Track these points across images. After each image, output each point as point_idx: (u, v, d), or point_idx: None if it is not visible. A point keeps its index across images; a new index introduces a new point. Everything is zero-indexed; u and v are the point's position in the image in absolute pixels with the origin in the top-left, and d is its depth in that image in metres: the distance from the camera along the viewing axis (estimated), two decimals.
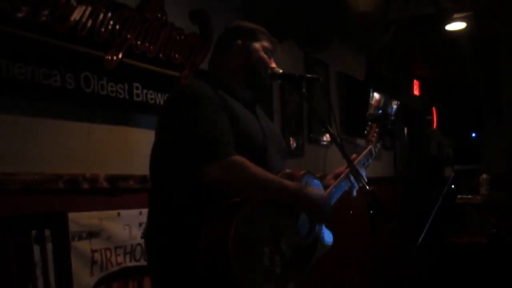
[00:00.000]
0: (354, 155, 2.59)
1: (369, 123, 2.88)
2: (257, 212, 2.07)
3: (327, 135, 5.77)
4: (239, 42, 2.38)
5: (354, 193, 2.56)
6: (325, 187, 2.44)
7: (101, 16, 3.13)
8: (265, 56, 2.39)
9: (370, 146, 2.77)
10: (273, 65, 2.41)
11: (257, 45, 2.39)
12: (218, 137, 2.07)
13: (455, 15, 5.27)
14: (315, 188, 2.34)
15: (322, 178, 2.51)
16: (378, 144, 2.84)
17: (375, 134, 2.82)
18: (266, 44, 2.41)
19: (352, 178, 2.51)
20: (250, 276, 1.97)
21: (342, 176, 2.50)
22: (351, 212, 2.65)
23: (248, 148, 2.15)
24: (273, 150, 2.33)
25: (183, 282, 2.10)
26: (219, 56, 2.43)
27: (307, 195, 2.20)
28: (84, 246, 3.01)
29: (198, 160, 2.05)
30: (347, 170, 2.49)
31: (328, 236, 2.41)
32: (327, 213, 2.25)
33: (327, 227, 2.36)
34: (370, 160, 2.71)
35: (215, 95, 2.19)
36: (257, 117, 2.37)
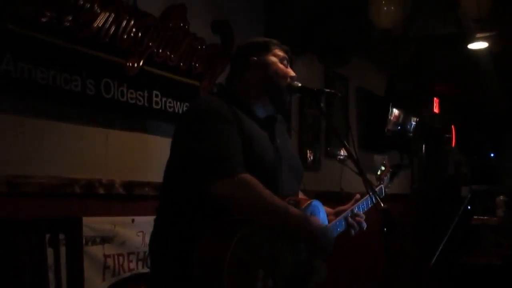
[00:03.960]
0: (357, 195, 2.58)
1: (384, 162, 2.91)
2: (257, 233, 2.07)
3: (344, 149, 5.76)
4: (254, 58, 2.38)
5: (352, 233, 2.52)
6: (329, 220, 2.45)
7: (124, 23, 3.16)
8: (282, 66, 2.39)
9: (380, 185, 2.80)
10: (292, 73, 2.41)
11: (272, 58, 2.38)
12: (230, 154, 2.09)
13: (478, 35, 5.24)
14: (318, 220, 2.32)
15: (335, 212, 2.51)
16: (388, 185, 2.87)
17: (387, 174, 2.84)
18: (280, 53, 2.40)
19: (350, 220, 2.48)
20: None
21: (342, 215, 2.48)
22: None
23: (259, 168, 2.15)
24: (286, 172, 2.33)
25: None
26: (236, 74, 2.43)
27: (309, 226, 2.19)
28: (97, 251, 3.02)
29: (208, 174, 2.07)
30: (348, 209, 2.50)
31: (323, 270, 2.37)
32: (327, 246, 2.23)
33: (323, 260, 2.33)
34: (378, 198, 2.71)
35: (229, 112, 2.20)
36: (273, 138, 2.36)
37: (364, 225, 2.51)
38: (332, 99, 5.32)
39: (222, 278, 1.92)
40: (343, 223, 2.47)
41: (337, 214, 2.50)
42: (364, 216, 2.54)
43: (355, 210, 2.53)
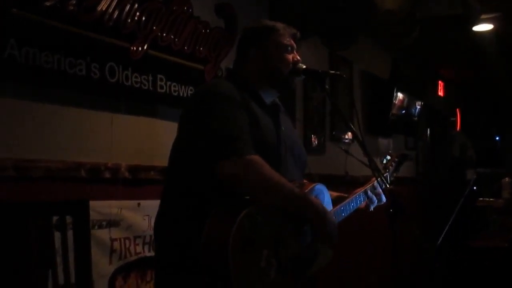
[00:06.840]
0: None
1: (390, 152, 2.98)
2: (263, 213, 2.08)
3: (349, 133, 5.76)
4: (254, 50, 2.38)
5: (371, 208, 2.61)
6: (334, 204, 2.46)
7: (128, 7, 3.15)
8: (283, 55, 2.38)
9: (386, 174, 2.83)
10: (296, 57, 2.41)
11: (273, 47, 2.38)
12: (238, 134, 2.11)
13: (483, 16, 5.21)
14: (322, 203, 2.33)
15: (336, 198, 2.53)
16: (394, 174, 2.90)
17: (393, 164, 2.89)
18: (284, 41, 2.39)
19: (369, 193, 2.56)
20: (245, 274, 1.99)
21: (354, 194, 2.53)
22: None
23: (263, 152, 2.16)
24: (290, 160, 2.35)
25: (186, 271, 2.13)
26: (242, 60, 2.44)
27: (315, 208, 2.20)
28: (103, 234, 3.04)
29: (217, 154, 2.09)
30: (360, 189, 2.56)
31: (327, 254, 2.37)
32: (331, 230, 2.23)
33: (329, 244, 2.34)
34: (383, 187, 2.72)
35: (238, 96, 2.22)
36: (279, 125, 2.37)
37: (384, 199, 2.54)
38: (337, 82, 5.31)
39: (227, 256, 1.93)
40: (362, 197, 2.54)
41: (341, 199, 2.51)
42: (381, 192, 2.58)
43: (375, 186, 2.59)
